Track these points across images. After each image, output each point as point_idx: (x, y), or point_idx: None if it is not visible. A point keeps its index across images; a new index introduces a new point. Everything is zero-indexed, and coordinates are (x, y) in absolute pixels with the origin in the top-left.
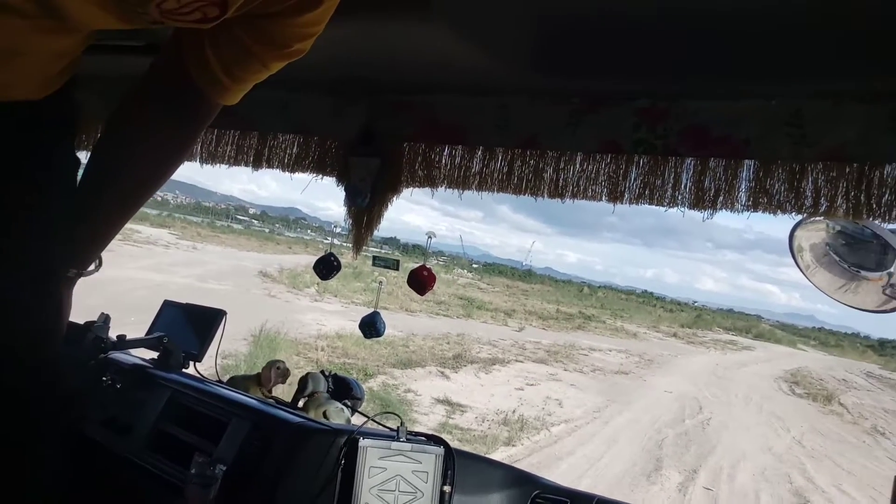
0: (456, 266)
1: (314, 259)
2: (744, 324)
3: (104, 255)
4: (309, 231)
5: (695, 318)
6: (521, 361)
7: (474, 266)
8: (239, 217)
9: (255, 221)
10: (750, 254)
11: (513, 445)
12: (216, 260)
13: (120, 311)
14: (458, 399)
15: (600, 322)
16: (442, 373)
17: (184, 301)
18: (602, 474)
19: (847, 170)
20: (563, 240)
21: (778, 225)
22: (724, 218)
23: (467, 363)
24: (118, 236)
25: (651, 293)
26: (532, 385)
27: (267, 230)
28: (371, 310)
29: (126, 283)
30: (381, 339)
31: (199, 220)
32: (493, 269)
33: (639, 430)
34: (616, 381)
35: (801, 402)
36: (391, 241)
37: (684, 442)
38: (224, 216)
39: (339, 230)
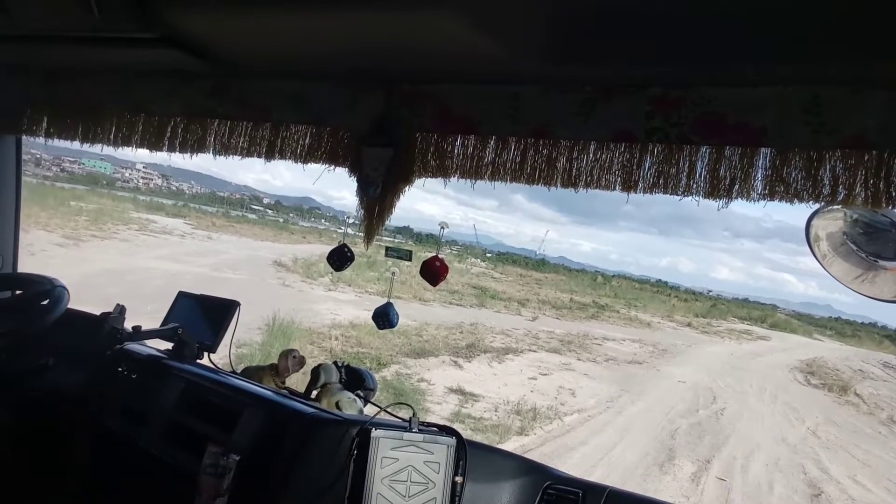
0: (469, 255)
1: (328, 248)
2: (759, 313)
3: (124, 246)
4: (323, 220)
5: (710, 307)
6: (535, 351)
7: (488, 255)
8: (253, 207)
9: (270, 211)
10: (767, 242)
11: (525, 435)
12: (231, 249)
13: (138, 300)
14: (471, 388)
15: (614, 311)
16: (455, 362)
17: (199, 291)
18: (615, 464)
19: (866, 157)
20: (577, 229)
21: (797, 213)
22: (742, 206)
23: (480, 353)
24: (134, 226)
25: (665, 282)
26: (545, 375)
27: (281, 220)
28: (385, 300)
29: (143, 273)
30: (394, 328)
31: (213, 210)
32: (506, 258)
33: (652, 420)
34: (629, 370)
35: (816, 392)
36: (404, 231)
37: (698, 432)
38: (239, 206)
39: (351, 221)
